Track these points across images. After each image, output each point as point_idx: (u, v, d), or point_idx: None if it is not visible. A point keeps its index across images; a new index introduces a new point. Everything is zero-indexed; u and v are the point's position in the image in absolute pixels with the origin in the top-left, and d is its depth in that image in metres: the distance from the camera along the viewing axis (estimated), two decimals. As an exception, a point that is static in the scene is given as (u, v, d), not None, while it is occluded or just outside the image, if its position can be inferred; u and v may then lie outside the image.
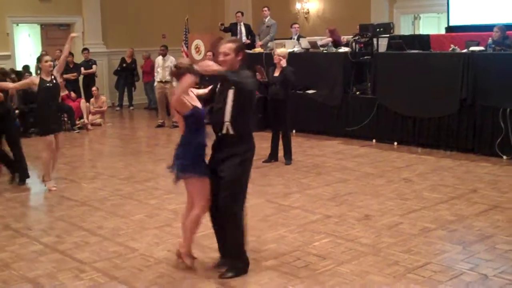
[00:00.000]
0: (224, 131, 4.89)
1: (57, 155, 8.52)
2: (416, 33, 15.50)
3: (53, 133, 8.23)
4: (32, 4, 16.16)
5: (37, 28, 17.27)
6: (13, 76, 13.10)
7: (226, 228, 5.02)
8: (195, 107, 4.96)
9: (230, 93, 4.87)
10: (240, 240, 5.03)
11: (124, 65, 17.03)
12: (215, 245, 5.29)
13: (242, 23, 14.86)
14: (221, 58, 4.94)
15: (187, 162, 4.97)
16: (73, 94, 14.15)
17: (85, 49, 16.17)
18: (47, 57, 8.42)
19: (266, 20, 14.48)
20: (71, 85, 14.60)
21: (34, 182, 8.68)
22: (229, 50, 4.91)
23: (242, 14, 15.10)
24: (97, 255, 5.64)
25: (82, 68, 15.60)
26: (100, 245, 5.94)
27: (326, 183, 8.19)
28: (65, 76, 14.48)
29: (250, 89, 4.90)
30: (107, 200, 7.66)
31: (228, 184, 4.88)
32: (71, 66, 15.23)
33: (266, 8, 14.53)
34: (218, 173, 4.92)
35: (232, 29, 14.92)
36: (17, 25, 16.85)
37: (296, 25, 14.29)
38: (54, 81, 8.16)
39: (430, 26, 15.95)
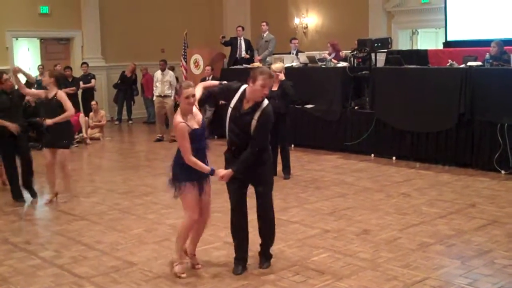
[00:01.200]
0: None
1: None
2: (414, 48, 15.59)
3: None
4: (31, 19, 16.25)
5: (36, 42, 17.36)
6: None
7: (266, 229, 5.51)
8: (192, 130, 5.21)
9: (253, 124, 5.16)
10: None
11: (119, 81, 17.11)
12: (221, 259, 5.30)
13: (242, 38, 14.92)
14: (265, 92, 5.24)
15: (174, 174, 5.35)
16: (72, 108, 14.14)
17: (84, 63, 16.24)
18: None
19: (265, 35, 14.55)
20: (70, 99, 14.54)
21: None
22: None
23: (243, 28, 15.17)
24: (95, 270, 5.63)
25: (81, 82, 15.64)
26: (98, 259, 5.93)
27: (324, 198, 8.19)
28: (64, 90, 14.51)
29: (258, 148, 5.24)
30: (105, 214, 7.65)
31: (269, 195, 5.45)
32: (70, 80, 15.27)
33: (264, 23, 14.61)
34: (256, 187, 5.39)
35: (232, 43, 15.00)
36: (17, 39, 16.92)
37: (296, 40, 14.38)
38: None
39: (428, 41, 16.04)
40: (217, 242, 6.27)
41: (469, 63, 10.09)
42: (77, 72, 16.07)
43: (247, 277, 5.32)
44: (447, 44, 13.71)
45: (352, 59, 11.84)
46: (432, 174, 9.61)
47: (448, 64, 10.51)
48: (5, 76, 8.38)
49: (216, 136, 13.05)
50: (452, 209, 7.47)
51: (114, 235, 6.72)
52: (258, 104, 5.19)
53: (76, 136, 13.64)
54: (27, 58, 17.86)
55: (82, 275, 5.50)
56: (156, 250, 6.15)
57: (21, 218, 7.73)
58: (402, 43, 15.76)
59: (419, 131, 10.40)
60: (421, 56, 12.05)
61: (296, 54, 13.48)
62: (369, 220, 7.04)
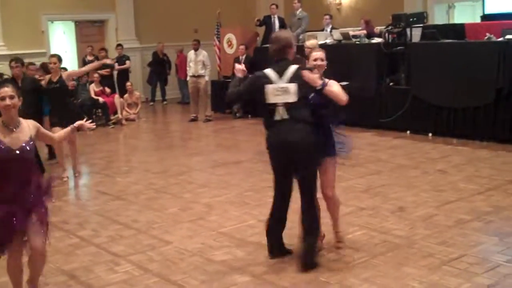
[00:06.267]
0: None
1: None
2: (451, 22, 15.26)
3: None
4: (66, 2, 16.39)
5: (71, 25, 17.52)
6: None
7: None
8: None
9: None
10: None
11: (152, 61, 17.20)
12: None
13: (276, 16, 14.77)
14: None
15: None
16: (107, 90, 14.30)
17: (118, 45, 16.32)
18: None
19: (297, 13, 14.39)
20: (105, 81, 14.75)
21: (70, 177, 8.81)
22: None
23: (277, 6, 15.01)
24: (132, 248, 5.71)
25: (116, 64, 15.74)
26: (134, 238, 6.01)
27: (359, 175, 8.13)
28: (99, 72, 14.67)
29: None
30: (141, 194, 7.74)
31: None
32: (105, 62, 15.39)
33: (296, 0, 14.45)
34: None
35: (266, 22, 14.86)
36: (52, 22, 17.10)
37: (327, 16, 14.05)
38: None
39: (465, 14, 15.68)
40: (251, 220, 6.30)
41: (508, 36, 9.84)
42: (112, 54, 16.18)
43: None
44: (484, 17, 13.38)
45: (387, 34, 11.64)
46: (469, 150, 9.45)
47: (485, 38, 10.26)
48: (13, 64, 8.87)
49: (250, 115, 13.09)
50: (490, 185, 7.34)
51: (150, 214, 6.79)
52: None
53: (112, 117, 13.81)
54: (62, 41, 18.05)
55: (119, 253, 5.59)
56: (191, 228, 6.20)
57: (59, 198, 7.86)
58: (438, 18, 15.42)
59: (456, 106, 10.21)
60: (457, 30, 11.76)
61: (330, 31, 13.32)
62: (404, 197, 6.97)
